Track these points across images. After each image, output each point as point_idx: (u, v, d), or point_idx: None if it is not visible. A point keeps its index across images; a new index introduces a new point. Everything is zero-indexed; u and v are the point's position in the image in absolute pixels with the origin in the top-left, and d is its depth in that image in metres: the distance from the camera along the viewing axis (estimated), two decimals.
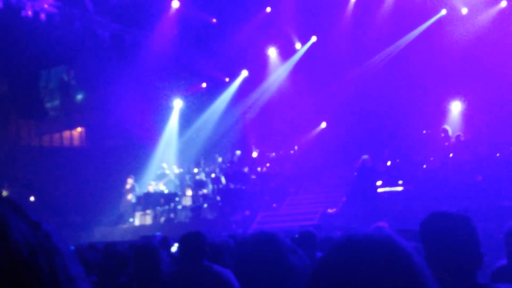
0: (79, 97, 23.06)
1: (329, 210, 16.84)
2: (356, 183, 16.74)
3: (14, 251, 0.81)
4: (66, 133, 23.21)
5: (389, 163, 17.91)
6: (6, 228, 0.82)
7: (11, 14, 17.82)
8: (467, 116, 19.69)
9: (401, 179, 16.80)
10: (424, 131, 18.91)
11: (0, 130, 20.93)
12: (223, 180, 19.38)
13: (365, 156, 16.90)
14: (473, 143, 16.99)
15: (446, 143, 17.46)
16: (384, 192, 16.46)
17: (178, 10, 21.29)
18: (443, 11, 20.94)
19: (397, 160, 18.09)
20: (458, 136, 17.34)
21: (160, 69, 21.71)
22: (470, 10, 20.32)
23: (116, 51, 20.70)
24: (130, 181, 19.96)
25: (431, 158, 17.23)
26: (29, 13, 18.39)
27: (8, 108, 21.20)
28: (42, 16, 18.75)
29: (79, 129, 23.30)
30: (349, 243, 1.16)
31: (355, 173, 17.22)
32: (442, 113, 20.02)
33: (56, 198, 19.13)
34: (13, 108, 21.26)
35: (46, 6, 18.83)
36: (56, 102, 22.73)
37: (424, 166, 17.13)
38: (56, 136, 22.99)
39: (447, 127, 18.26)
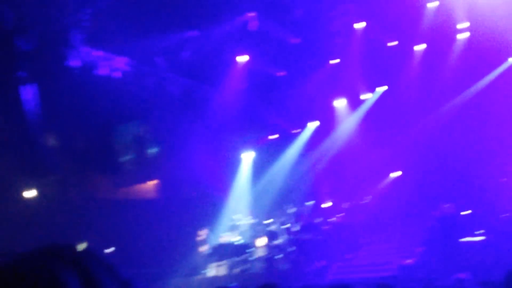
0: (152, 150, 23.61)
1: (407, 261, 16.37)
2: (437, 232, 16.24)
3: None
4: (140, 186, 23.71)
5: (468, 211, 17.34)
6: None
7: (87, 73, 18.62)
8: None
9: (481, 229, 16.20)
10: (502, 179, 18.28)
11: (78, 184, 21.59)
12: (296, 230, 19.25)
13: (447, 205, 16.50)
14: None
15: None
16: (465, 242, 15.88)
17: (246, 64, 21.67)
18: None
19: (474, 210, 17.49)
20: None
21: (230, 122, 22.04)
22: None
23: (186, 105, 21.21)
24: (203, 233, 20.09)
25: (511, 207, 16.57)
26: (104, 71, 19.18)
27: (84, 162, 21.92)
28: (117, 74, 19.50)
29: (152, 181, 23.76)
30: None
31: (432, 223, 16.76)
32: None
33: (132, 250, 19.42)
34: (89, 163, 21.96)
35: (120, 64, 19.60)
36: (130, 156, 23.33)
37: (503, 215, 16.47)
38: (132, 189, 23.51)
39: None
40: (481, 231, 16.14)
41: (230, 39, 20.94)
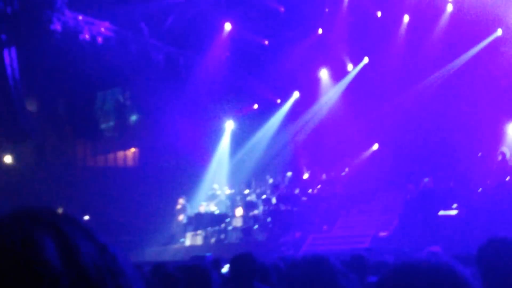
0: (133, 118, 23.50)
1: (381, 233, 16.60)
2: (413, 206, 16.44)
3: (83, 273, 0.84)
4: (120, 154, 23.65)
5: (444, 185, 17.56)
6: (76, 251, 0.85)
7: (69, 37, 18.37)
8: None
9: (455, 203, 16.43)
10: (480, 154, 18.48)
11: (57, 150, 21.48)
12: (273, 201, 19.37)
13: (426, 179, 16.68)
14: None
15: (504, 166, 17.00)
16: (440, 215, 16.10)
17: (230, 32, 21.55)
18: (499, 31, 20.55)
19: (451, 183, 17.71)
20: None
21: (213, 91, 21.98)
22: None
23: (169, 73, 21.08)
24: (181, 202, 20.15)
25: (488, 182, 16.80)
26: (87, 36, 18.94)
27: (64, 128, 21.78)
28: (99, 39, 19.27)
29: (132, 149, 23.71)
30: (405, 268, 1.15)
31: (408, 196, 16.97)
32: (498, 135, 19.51)
33: (109, 217, 19.44)
34: (69, 128, 21.82)
35: (102, 29, 19.36)
36: (111, 123, 23.21)
37: (480, 189, 16.71)
38: (111, 156, 23.45)
39: (504, 149, 17.77)
40: (456, 205, 16.37)
41: (215, 5, 20.76)
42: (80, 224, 0.92)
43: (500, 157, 17.38)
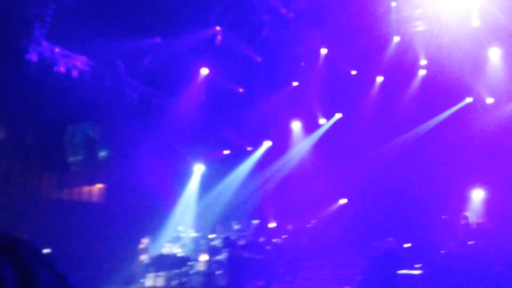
0: (102, 154, 23.28)
1: None
2: (377, 263, 16.46)
3: None
4: (86, 189, 23.31)
5: (407, 245, 17.64)
6: (34, 278, 0.81)
7: (44, 68, 18.28)
8: (489, 204, 19.45)
9: (419, 263, 16.48)
10: (443, 216, 18.68)
11: (21, 179, 21.10)
12: (238, 247, 19.20)
13: (390, 239, 16.77)
14: (494, 232, 16.70)
15: (467, 230, 17.18)
16: (403, 274, 16.13)
17: (206, 77, 21.69)
18: (469, 99, 21.07)
19: (416, 243, 17.80)
20: (479, 224, 17.09)
21: (184, 133, 21.96)
22: (495, 100, 20.45)
23: (142, 112, 21.04)
24: (145, 241, 19.86)
25: (451, 244, 16.93)
26: (62, 69, 18.87)
27: (31, 158, 21.45)
28: (74, 72, 19.21)
29: (99, 185, 23.41)
30: None
31: (373, 252, 16.99)
32: (463, 200, 19.81)
33: (70, 252, 19.02)
34: (36, 159, 21.50)
35: (78, 63, 19.32)
36: (79, 157, 22.94)
37: (443, 251, 16.82)
38: (76, 190, 23.10)
39: (468, 214, 18.03)
40: (420, 265, 16.43)
41: (192, 50, 20.93)
42: (40, 253, 0.88)
43: (463, 221, 17.59)
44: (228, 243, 19.16)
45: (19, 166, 20.92)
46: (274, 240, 20.10)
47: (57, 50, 18.59)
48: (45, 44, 18.01)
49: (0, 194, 20.00)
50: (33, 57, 17.71)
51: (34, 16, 17.35)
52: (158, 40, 19.99)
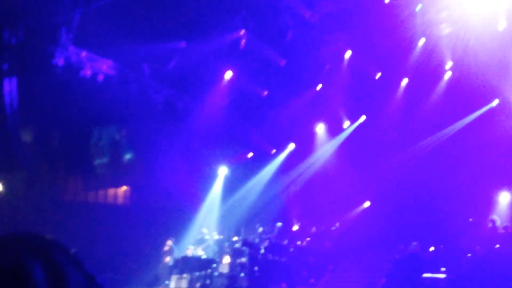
0: (128, 156, 23.45)
1: None
2: (401, 266, 16.34)
3: None
4: (111, 191, 23.50)
5: (432, 248, 17.50)
6: (64, 277, 0.85)
7: (70, 72, 18.48)
8: None
9: (444, 266, 16.33)
10: (471, 219, 18.47)
11: (48, 182, 21.35)
12: (262, 250, 19.21)
13: (414, 243, 16.65)
14: None
15: (494, 233, 16.98)
16: (428, 278, 15.99)
17: (230, 80, 21.74)
18: (495, 102, 20.83)
19: (441, 246, 17.64)
20: (506, 227, 16.88)
21: (209, 136, 22.03)
22: None
23: (167, 115, 21.17)
24: (169, 243, 19.95)
25: (477, 247, 16.74)
26: (88, 72, 19.07)
27: (57, 161, 21.68)
28: (100, 76, 19.39)
29: (124, 187, 23.58)
30: None
31: (397, 256, 16.87)
32: (490, 203, 19.58)
33: (95, 254, 19.20)
34: (62, 162, 21.74)
35: (105, 67, 19.51)
36: (105, 160, 23.14)
37: (469, 255, 16.64)
38: (101, 193, 23.30)
39: (495, 217, 17.80)
40: (444, 269, 16.28)
41: (217, 54, 21.00)
42: (68, 253, 0.92)
43: (490, 224, 17.38)
44: (248, 245, 19.16)
45: (46, 168, 21.18)
46: (298, 243, 20.07)
47: (83, 54, 18.79)
48: (71, 48, 18.21)
49: (27, 195, 20.26)
50: (59, 61, 17.92)
51: (61, 21, 17.56)
52: (183, 44, 20.09)
